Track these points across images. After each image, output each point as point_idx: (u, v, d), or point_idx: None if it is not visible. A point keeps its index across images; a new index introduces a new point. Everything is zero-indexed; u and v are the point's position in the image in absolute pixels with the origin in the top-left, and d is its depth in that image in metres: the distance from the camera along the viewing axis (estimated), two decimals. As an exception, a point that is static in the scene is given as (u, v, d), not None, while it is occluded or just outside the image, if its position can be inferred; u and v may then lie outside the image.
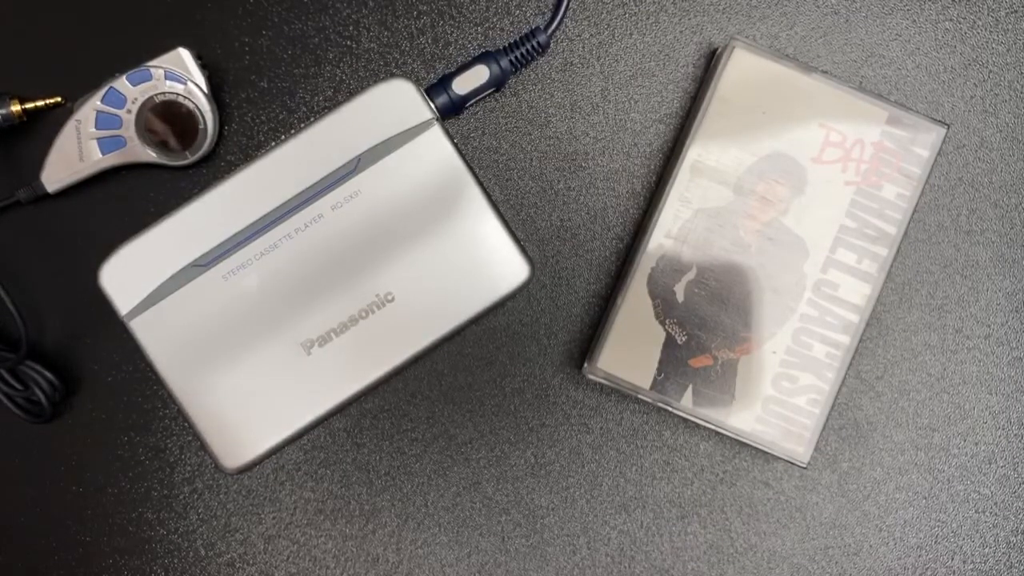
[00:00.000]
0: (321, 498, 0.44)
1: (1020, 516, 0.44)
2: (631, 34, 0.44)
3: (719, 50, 0.43)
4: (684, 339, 0.41)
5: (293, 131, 0.39)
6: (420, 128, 0.38)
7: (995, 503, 0.44)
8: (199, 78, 0.42)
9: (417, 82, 0.39)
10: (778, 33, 0.44)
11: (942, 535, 0.44)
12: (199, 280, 0.38)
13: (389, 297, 0.38)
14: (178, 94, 0.41)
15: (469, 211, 0.38)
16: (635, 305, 0.42)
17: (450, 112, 0.42)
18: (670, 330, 0.41)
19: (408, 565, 0.44)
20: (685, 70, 0.44)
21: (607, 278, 0.44)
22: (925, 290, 0.44)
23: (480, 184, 0.38)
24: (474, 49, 0.44)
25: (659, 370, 0.41)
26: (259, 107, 0.44)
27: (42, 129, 0.44)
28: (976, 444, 0.44)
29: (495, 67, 0.42)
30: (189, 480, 0.44)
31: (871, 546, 0.44)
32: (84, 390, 0.44)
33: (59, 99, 0.43)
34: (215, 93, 0.43)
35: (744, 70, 0.42)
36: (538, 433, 0.44)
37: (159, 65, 0.41)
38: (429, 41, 0.44)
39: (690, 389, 0.41)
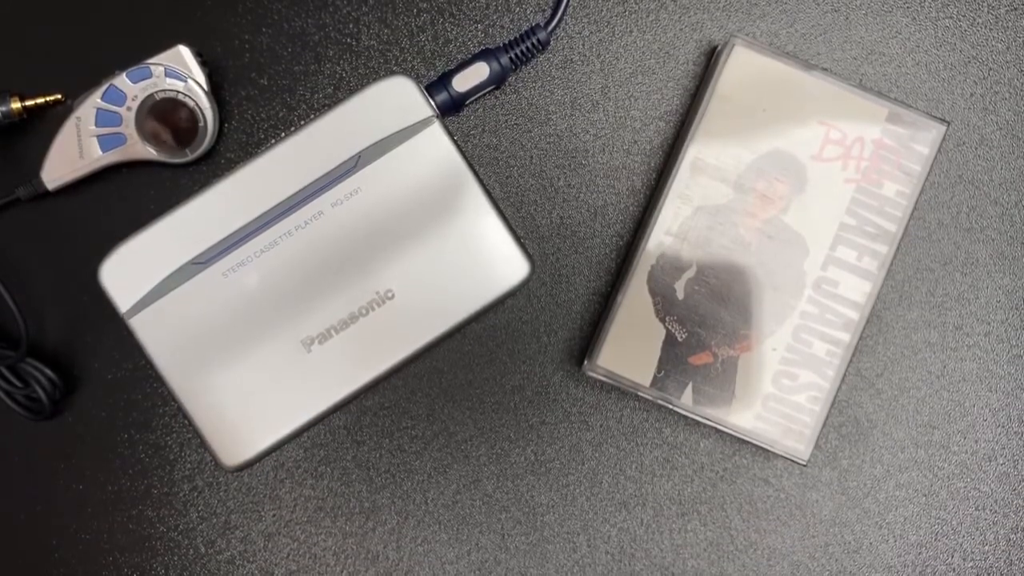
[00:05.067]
0: (321, 495, 0.44)
1: (1020, 514, 0.44)
2: (631, 31, 0.44)
3: (719, 47, 0.43)
4: (684, 336, 0.41)
5: (293, 128, 0.39)
6: (420, 125, 0.38)
7: (995, 500, 0.44)
8: (199, 75, 0.42)
9: (417, 79, 0.39)
10: (778, 31, 0.44)
11: (942, 532, 0.44)
12: (199, 277, 0.38)
13: (389, 294, 0.38)
14: (178, 91, 0.41)
15: (469, 208, 0.38)
16: (635, 302, 0.42)
17: (450, 109, 0.42)
18: (670, 327, 0.41)
19: (408, 563, 0.44)
20: (685, 67, 0.44)
21: (607, 275, 0.44)
22: (925, 287, 0.44)
23: (480, 181, 0.38)
24: (474, 46, 0.44)
25: (659, 367, 0.41)
26: (259, 104, 0.44)
27: (42, 126, 0.44)
28: (976, 441, 0.44)
29: (495, 64, 0.42)
30: (189, 478, 0.44)
31: (871, 543, 0.44)
32: (84, 388, 0.44)
33: (59, 96, 0.42)
34: (215, 90, 0.43)
35: (744, 68, 0.42)
36: (538, 431, 0.44)
37: (159, 62, 0.41)
38: (429, 38, 0.44)
39: (690, 387, 0.41)
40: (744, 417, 0.41)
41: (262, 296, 0.37)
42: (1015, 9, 0.45)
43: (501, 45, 0.42)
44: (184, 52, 0.41)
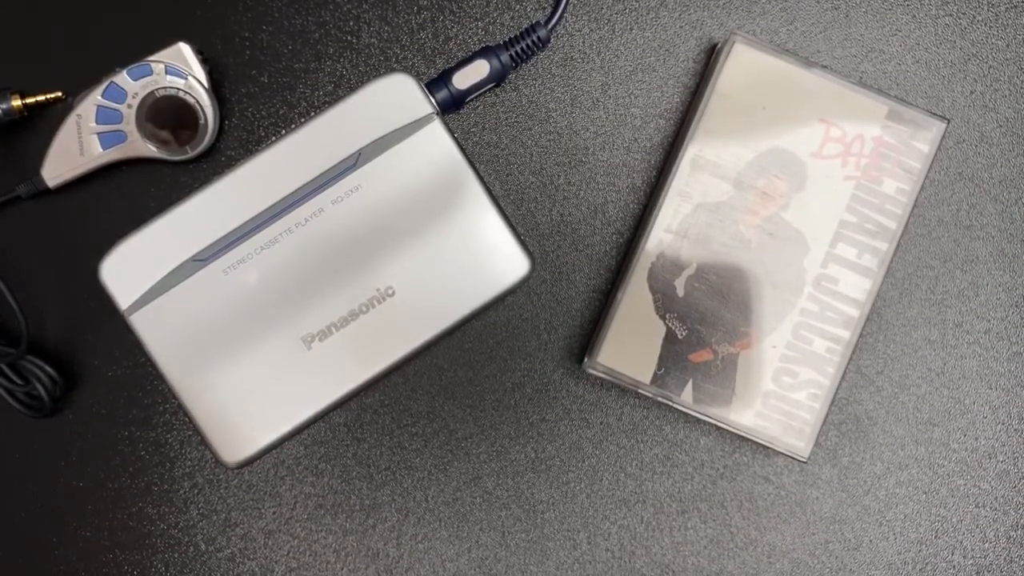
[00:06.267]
0: (321, 493, 0.44)
1: (1020, 511, 0.44)
2: (631, 29, 0.44)
3: (719, 45, 0.43)
4: (684, 334, 0.41)
5: (293, 126, 0.39)
6: (420, 123, 0.38)
7: (995, 498, 0.44)
8: (200, 73, 0.42)
9: (417, 77, 0.39)
10: (778, 28, 0.44)
11: (942, 530, 0.44)
12: (199, 275, 0.38)
13: (389, 292, 0.38)
14: (179, 89, 0.41)
15: (469, 206, 0.38)
16: (635, 300, 0.42)
17: (450, 107, 0.42)
18: (670, 325, 0.41)
19: (408, 560, 0.44)
20: (685, 65, 0.44)
21: (607, 273, 0.44)
22: (925, 285, 0.44)
23: (480, 179, 0.38)
24: (474, 44, 0.44)
25: (659, 365, 0.41)
26: (260, 102, 0.44)
27: (42, 124, 0.44)
28: (976, 439, 0.44)
29: (495, 62, 0.42)
30: (189, 475, 0.44)
31: (871, 541, 0.44)
32: (84, 385, 0.44)
33: (59, 94, 0.43)
34: (215, 88, 0.43)
35: (744, 65, 0.42)
36: (538, 428, 0.44)
37: (160, 60, 0.41)
38: (429, 36, 0.44)
39: (690, 384, 0.41)
40: (744, 414, 0.41)
41: (262, 293, 0.38)
42: (1015, 7, 0.45)
43: (501, 43, 0.43)
44: (185, 49, 0.41)
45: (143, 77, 0.41)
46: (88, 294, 0.44)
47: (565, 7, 0.43)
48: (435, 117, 0.38)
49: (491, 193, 0.38)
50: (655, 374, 0.41)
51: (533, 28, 0.42)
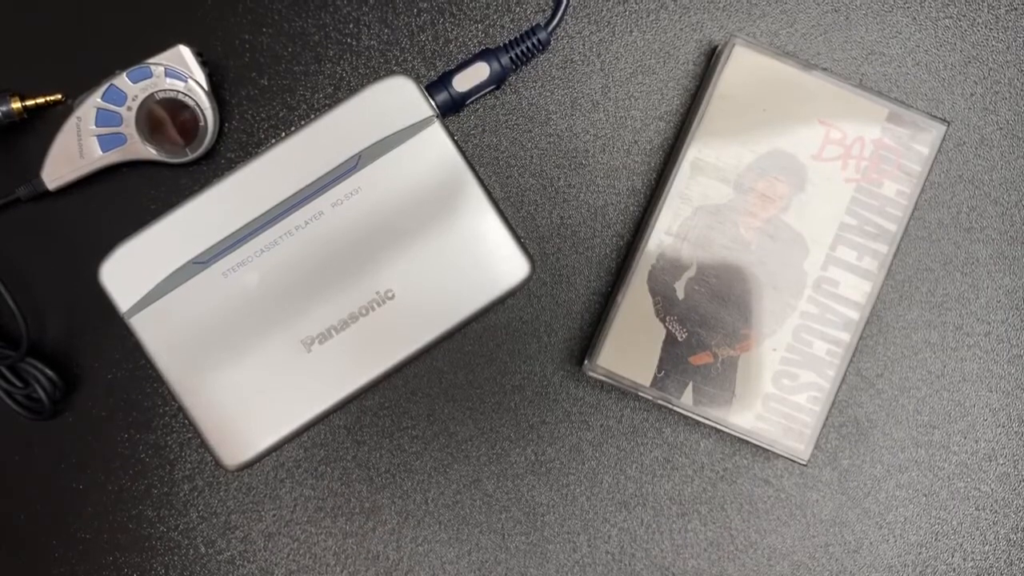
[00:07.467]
0: (321, 495, 0.44)
1: (1020, 514, 0.44)
2: (631, 31, 0.44)
3: (719, 47, 0.43)
4: (684, 336, 0.41)
5: (293, 128, 0.39)
6: (420, 125, 0.38)
7: (995, 500, 0.44)
8: (199, 75, 0.42)
9: (417, 79, 0.39)
10: (778, 30, 0.44)
11: (942, 532, 0.44)
12: (199, 277, 0.38)
13: (389, 294, 0.38)
14: (178, 91, 0.41)
15: (469, 208, 0.38)
16: (635, 302, 0.42)
17: (450, 109, 0.42)
18: (670, 327, 0.41)
19: (408, 563, 0.44)
20: (685, 67, 0.44)
21: (607, 275, 0.44)
22: (925, 287, 0.44)
23: (480, 181, 0.38)
24: (474, 46, 0.44)
25: (659, 367, 0.41)
26: (259, 104, 0.44)
27: (42, 126, 0.44)
28: (976, 441, 0.44)
29: (495, 64, 0.42)
30: (189, 477, 0.44)
31: (871, 543, 0.44)
32: (84, 387, 0.44)
33: (59, 96, 0.43)
34: (215, 90, 0.43)
35: (744, 67, 0.42)
36: (538, 430, 0.44)
37: (159, 62, 0.41)
38: (429, 38, 0.44)
39: (690, 386, 0.41)
40: (744, 417, 0.41)
41: (262, 296, 0.38)
42: (1015, 9, 0.45)
43: (501, 45, 0.43)
44: (184, 52, 0.41)
45: (143, 79, 0.41)
46: (88, 296, 0.44)
47: (565, 9, 0.43)
48: (435, 120, 0.38)
49: (491, 196, 0.38)
50: (655, 377, 0.41)
51: (533, 30, 0.42)
